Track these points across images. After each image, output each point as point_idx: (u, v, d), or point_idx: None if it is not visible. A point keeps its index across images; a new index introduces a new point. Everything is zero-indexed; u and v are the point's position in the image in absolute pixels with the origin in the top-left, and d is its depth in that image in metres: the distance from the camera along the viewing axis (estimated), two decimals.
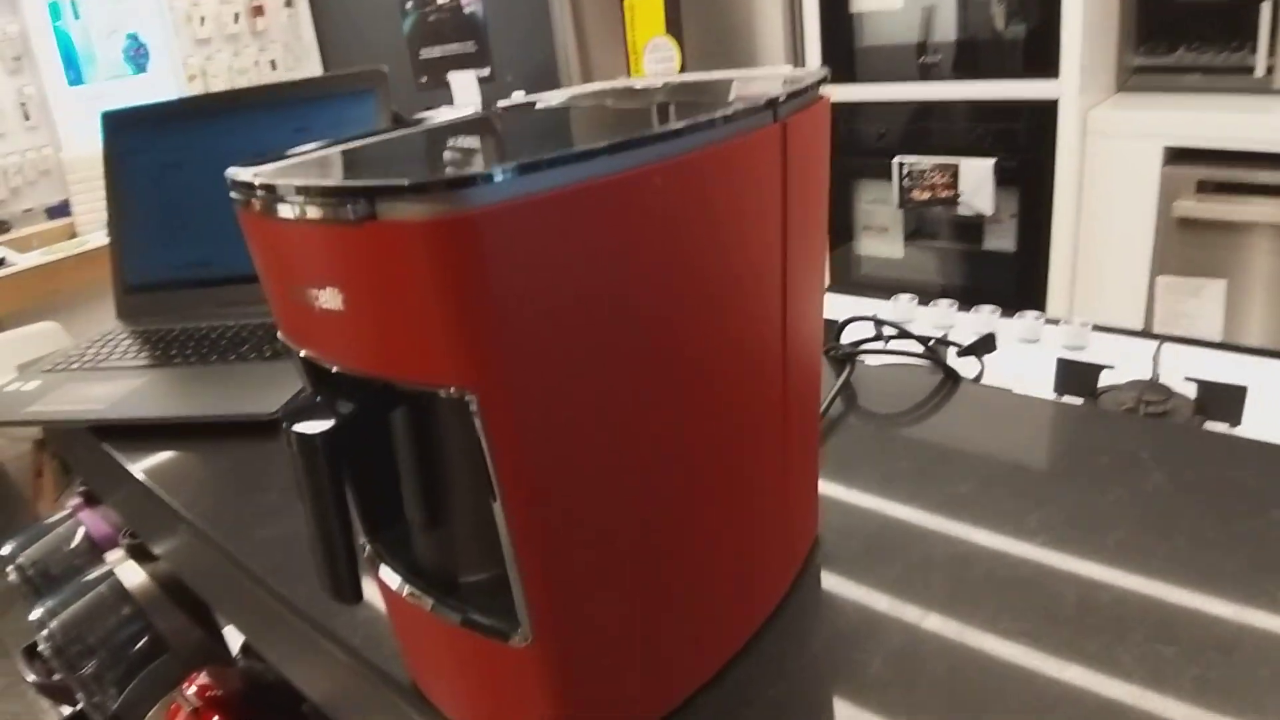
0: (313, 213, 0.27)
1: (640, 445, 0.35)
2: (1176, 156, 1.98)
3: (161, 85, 4.10)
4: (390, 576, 0.40)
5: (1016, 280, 2.22)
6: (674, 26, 2.58)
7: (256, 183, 0.30)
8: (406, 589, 0.39)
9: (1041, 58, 2.06)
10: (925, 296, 1.24)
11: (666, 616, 0.41)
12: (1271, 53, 2.05)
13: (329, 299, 0.29)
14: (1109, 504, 0.56)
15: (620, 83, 0.49)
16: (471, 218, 0.26)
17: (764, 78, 0.47)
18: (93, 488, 1.18)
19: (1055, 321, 1.16)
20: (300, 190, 0.27)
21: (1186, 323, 2.00)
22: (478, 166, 0.27)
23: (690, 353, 0.36)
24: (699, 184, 0.33)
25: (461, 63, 4.08)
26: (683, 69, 2.60)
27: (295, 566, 0.59)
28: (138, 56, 4.09)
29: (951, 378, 0.78)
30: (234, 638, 1.17)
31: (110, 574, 1.09)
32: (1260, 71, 2.07)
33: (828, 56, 2.37)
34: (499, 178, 0.26)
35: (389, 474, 0.36)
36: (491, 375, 0.28)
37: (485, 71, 4.00)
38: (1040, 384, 1.01)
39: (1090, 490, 0.58)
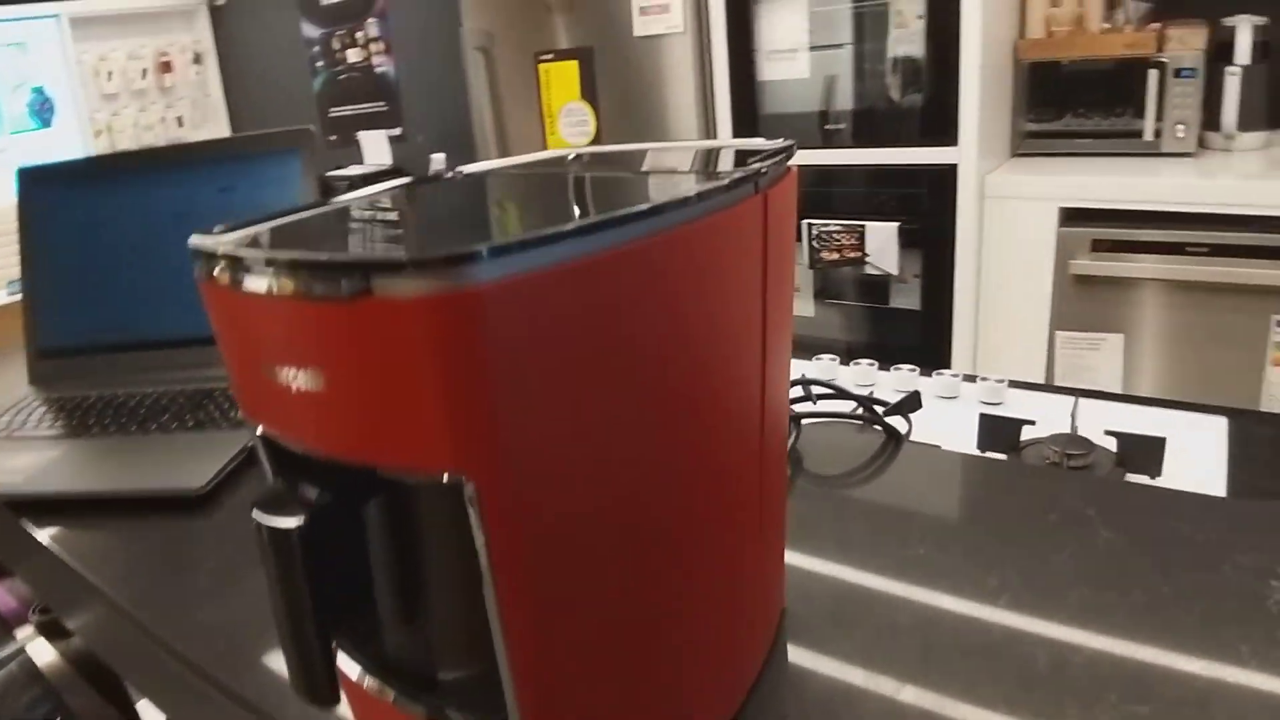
0: (296, 288, 0.25)
1: (636, 523, 0.33)
2: (1071, 217, 2.07)
3: (67, 140, 3.95)
4: (351, 667, 0.37)
5: (922, 337, 2.28)
6: (588, 92, 2.61)
7: (225, 253, 0.27)
8: (369, 680, 0.36)
9: (940, 126, 2.14)
10: (835, 353, 1.25)
11: (654, 698, 0.38)
12: (1159, 118, 2.17)
13: (307, 379, 0.26)
14: (1063, 562, 0.56)
15: (580, 150, 0.47)
16: (477, 294, 0.23)
17: (729, 147, 0.46)
18: (3, 560, 1.09)
19: (973, 378, 1.18)
20: (284, 265, 0.25)
21: (1088, 375, 2.08)
22: (476, 238, 0.25)
23: (684, 420, 0.34)
24: (695, 253, 0.31)
25: (372, 122, 4.05)
26: (597, 135, 2.62)
27: (239, 654, 0.55)
28: (43, 111, 3.93)
29: (893, 437, 0.78)
30: (148, 713, 1.09)
31: (21, 651, 1.01)
32: (1149, 135, 2.19)
33: (737, 123, 2.42)
34: (506, 252, 0.24)
35: (358, 562, 0.33)
36: (491, 458, 0.26)
37: (396, 131, 3.97)
38: (964, 439, 1.02)
39: (1043, 548, 0.58)
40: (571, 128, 2.67)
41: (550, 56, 2.64)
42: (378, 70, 4.10)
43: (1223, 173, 2.10)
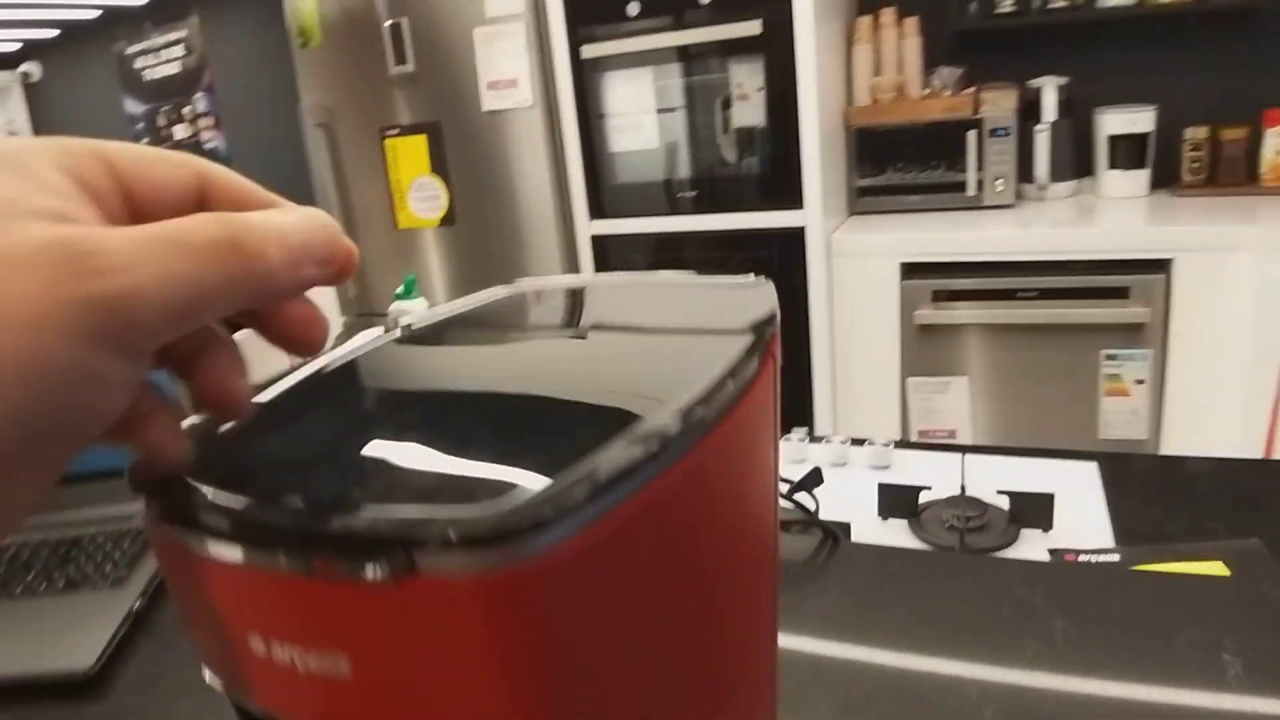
0: (307, 568, 0.19)
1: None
2: (911, 270, 2.16)
3: None
4: None
5: (784, 392, 2.31)
6: (439, 166, 2.55)
7: (190, 508, 0.21)
8: None
9: (785, 190, 2.20)
10: None
11: None
12: (980, 173, 2.31)
13: (319, 662, 0.21)
14: (1032, 658, 0.55)
15: (522, 289, 0.42)
16: (547, 565, 0.19)
17: (696, 285, 0.43)
18: None
19: (860, 442, 1.19)
20: (291, 537, 0.19)
21: (938, 416, 2.15)
22: (526, 483, 0.20)
23: (721, 613, 0.30)
24: (738, 437, 0.27)
25: None
26: (450, 209, 2.56)
27: None
28: None
29: (831, 537, 0.76)
30: None
31: None
32: (972, 190, 2.31)
33: (591, 194, 2.42)
34: (576, 508, 0.19)
35: None
36: None
37: None
38: (863, 508, 1.02)
39: (1010, 644, 0.57)
40: (422, 203, 2.60)
41: (396, 131, 2.57)
42: (207, 147, 3.91)
43: (1038, 221, 2.24)
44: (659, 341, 0.34)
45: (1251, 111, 2.27)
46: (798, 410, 2.28)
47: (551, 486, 0.20)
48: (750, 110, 2.21)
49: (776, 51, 2.12)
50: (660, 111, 2.31)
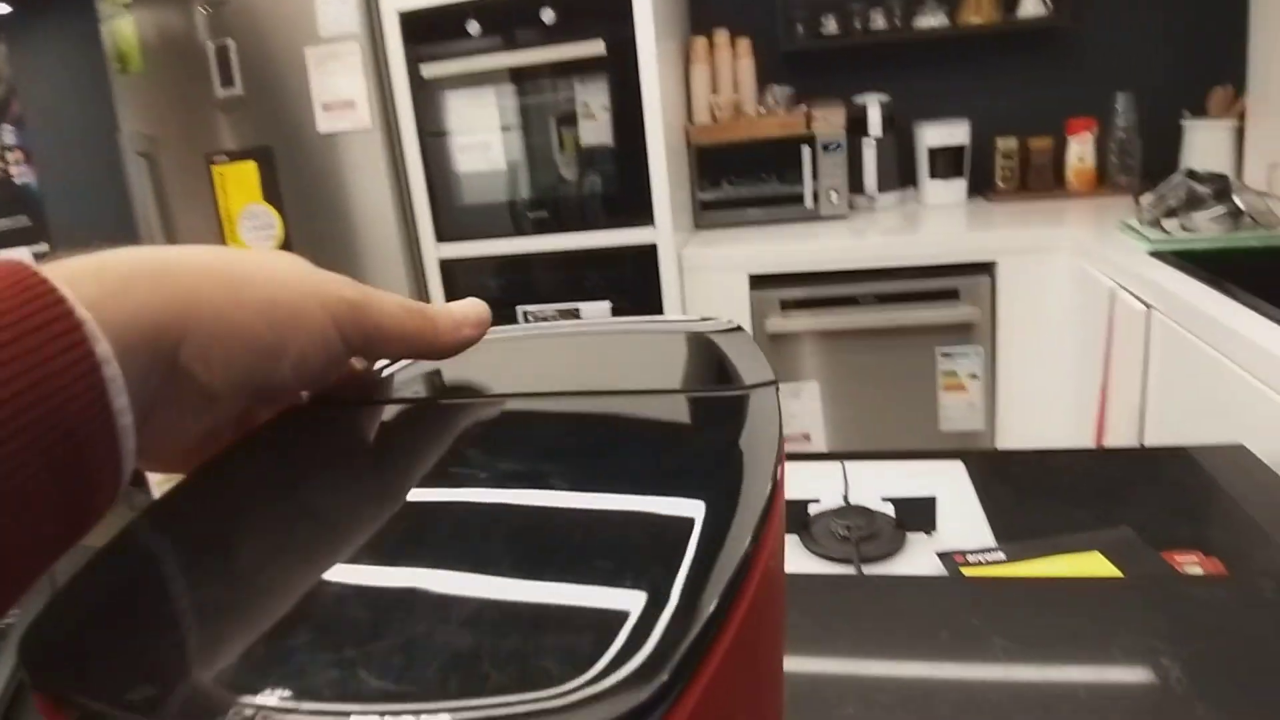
0: None
1: None
2: (759, 281, 2.18)
3: None
4: None
5: None
6: (271, 193, 2.39)
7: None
8: None
9: (636, 208, 2.18)
10: None
11: None
12: (815, 186, 2.36)
13: None
14: (983, 676, 0.54)
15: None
16: None
17: (659, 330, 0.39)
18: None
19: None
20: None
21: (794, 421, 2.19)
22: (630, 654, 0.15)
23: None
24: (774, 527, 0.23)
25: (12, 239, 3.47)
26: (285, 238, 2.41)
27: None
28: None
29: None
30: None
31: None
32: (809, 203, 2.37)
33: (436, 217, 2.33)
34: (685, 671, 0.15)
35: None
36: None
37: (42, 247, 3.43)
38: None
39: (957, 663, 0.55)
40: (254, 231, 2.44)
41: (224, 158, 2.40)
42: (18, 182, 3.53)
43: (870, 230, 2.32)
44: (656, 409, 0.29)
45: (1056, 122, 2.44)
46: None
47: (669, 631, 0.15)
48: (597, 129, 2.19)
49: (620, 71, 2.10)
50: (504, 131, 2.25)
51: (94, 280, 0.25)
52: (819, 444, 2.19)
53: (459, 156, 2.31)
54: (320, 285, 0.30)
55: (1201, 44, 2.42)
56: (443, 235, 2.34)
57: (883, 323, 2.13)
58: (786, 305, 2.17)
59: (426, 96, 2.25)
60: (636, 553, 0.19)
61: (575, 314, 2.19)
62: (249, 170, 2.39)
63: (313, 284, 0.30)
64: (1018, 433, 2.16)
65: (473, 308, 0.34)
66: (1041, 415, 2.12)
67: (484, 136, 2.26)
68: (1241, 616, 0.59)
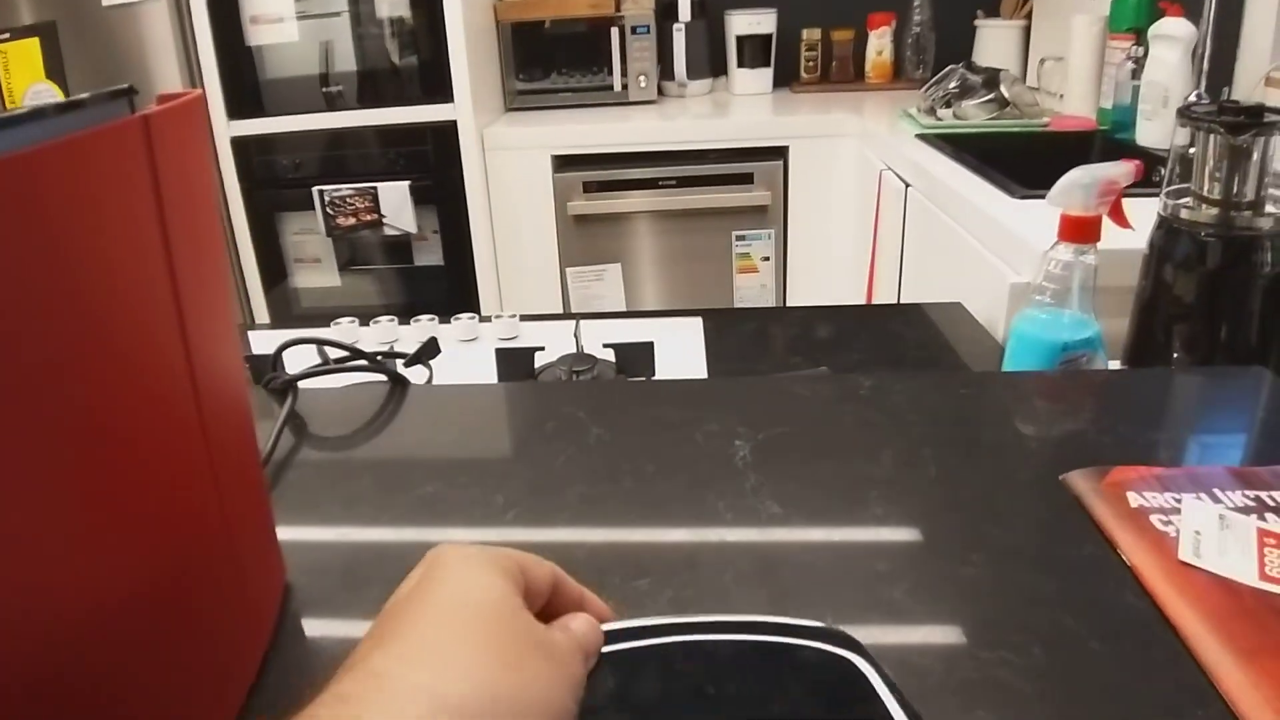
0: None
1: (43, 539, 0.24)
2: (563, 164, 2.16)
3: None
4: None
5: (449, 291, 2.26)
6: (55, 72, 2.19)
7: None
8: None
9: (436, 85, 2.11)
10: (369, 319, 1.19)
11: None
12: (624, 71, 2.34)
13: None
14: (561, 466, 0.56)
15: None
16: None
17: None
18: None
19: (489, 319, 1.18)
20: None
21: (597, 303, 2.21)
22: None
23: (76, 396, 0.26)
24: (47, 181, 0.23)
25: None
26: None
27: None
28: None
29: (399, 383, 0.73)
30: None
31: None
32: (617, 87, 2.35)
33: (230, 93, 2.19)
34: None
35: None
36: None
37: None
38: (486, 377, 1.02)
39: (543, 456, 0.57)
40: None
41: (5, 35, 2.18)
42: None
43: (680, 115, 2.32)
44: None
45: (859, 16, 2.47)
46: (464, 299, 2.24)
47: None
48: (395, 1, 2.08)
49: None
50: (299, 3, 2.12)
51: None
52: None
53: (252, 29, 2.16)
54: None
55: None
56: (236, 113, 2.20)
57: (682, 205, 2.15)
58: (589, 187, 2.16)
59: None
60: None
61: (373, 193, 2.12)
62: (31, 47, 2.19)
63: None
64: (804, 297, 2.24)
65: (597, 639, 0.34)
66: (826, 292, 2.21)
67: (278, 7, 2.12)
68: (826, 405, 0.64)
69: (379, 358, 0.84)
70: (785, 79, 2.55)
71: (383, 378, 0.76)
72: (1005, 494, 0.54)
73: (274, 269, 2.29)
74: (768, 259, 2.19)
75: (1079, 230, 0.76)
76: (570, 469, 0.56)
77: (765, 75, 2.50)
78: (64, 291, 0.26)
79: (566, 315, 1.22)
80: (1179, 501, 0.53)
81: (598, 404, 0.64)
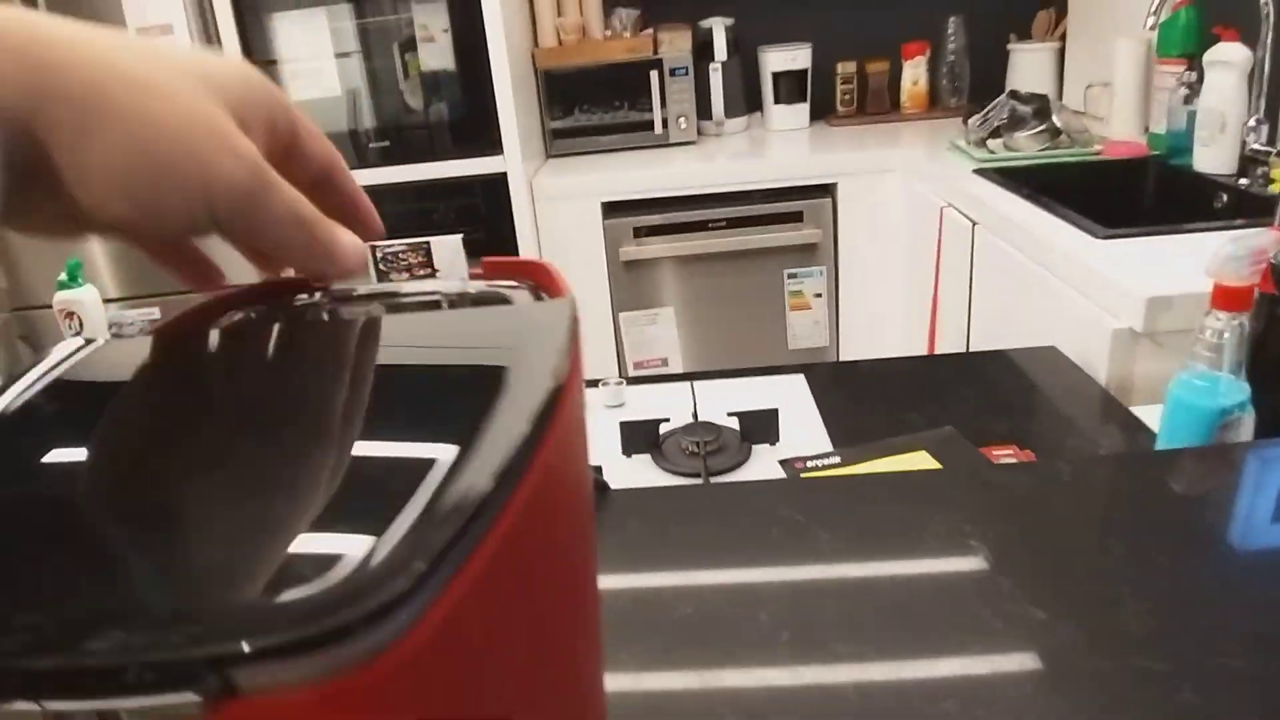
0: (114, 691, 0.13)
1: None
2: (612, 209, 2.17)
3: None
4: None
5: None
6: None
7: None
8: None
9: (483, 136, 2.12)
10: None
11: None
12: (664, 112, 2.35)
13: None
14: (806, 579, 0.56)
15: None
16: (393, 664, 0.14)
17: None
18: None
19: (593, 384, 1.18)
20: (54, 676, 0.13)
21: (651, 347, 2.21)
22: (353, 552, 0.15)
23: (563, 637, 0.26)
24: (561, 462, 0.23)
25: None
26: None
27: None
28: None
29: (602, 490, 0.72)
30: None
31: None
32: (658, 129, 2.36)
33: None
34: (422, 584, 0.14)
35: None
36: None
37: None
38: (609, 449, 1.02)
39: (788, 560, 0.57)
40: None
41: None
42: None
43: (720, 155, 2.34)
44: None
45: (892, 46, 2.50)
46: None
47: (393, 554, 0.15)
48: (437, 53, 2.10)
49: None
50: (341, 57, 2.14)
51: None
52: (676, 367, 2.23)
53: (291, 84, 2.18)
54: (210, 155, 0.26)
55: None
56: None
57: (732, 246, 2.16)
58: (639, 232, 2.17)
59: (250, 19, 2.10)
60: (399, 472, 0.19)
61: (426, 248, 2.12)
62: None
63: (202, 148, 0.26)
64: (860, 345, 2.25)
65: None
66: (880, 328, 2.22)
67: (315, 62, 2.13)
68: (1040, 497, 0.64)
69: None
70: (821, 112, 2.56)
71: None
72: (1266, 588, 0.54)
73: None
74: (820, 295, 2.20)
75: (1235, 299, 0.77)
76: (818, 583, 0.56)
77: (802, 110, 2.52)
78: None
79: (671, 376, 1.22)
80: None
81: (809, 504, 0.64)
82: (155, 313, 2.24)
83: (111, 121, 0.24)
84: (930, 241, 1.88)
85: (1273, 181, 1.59)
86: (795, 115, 2.52)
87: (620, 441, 1.02)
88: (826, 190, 2.16)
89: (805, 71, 2.48)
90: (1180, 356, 0.82)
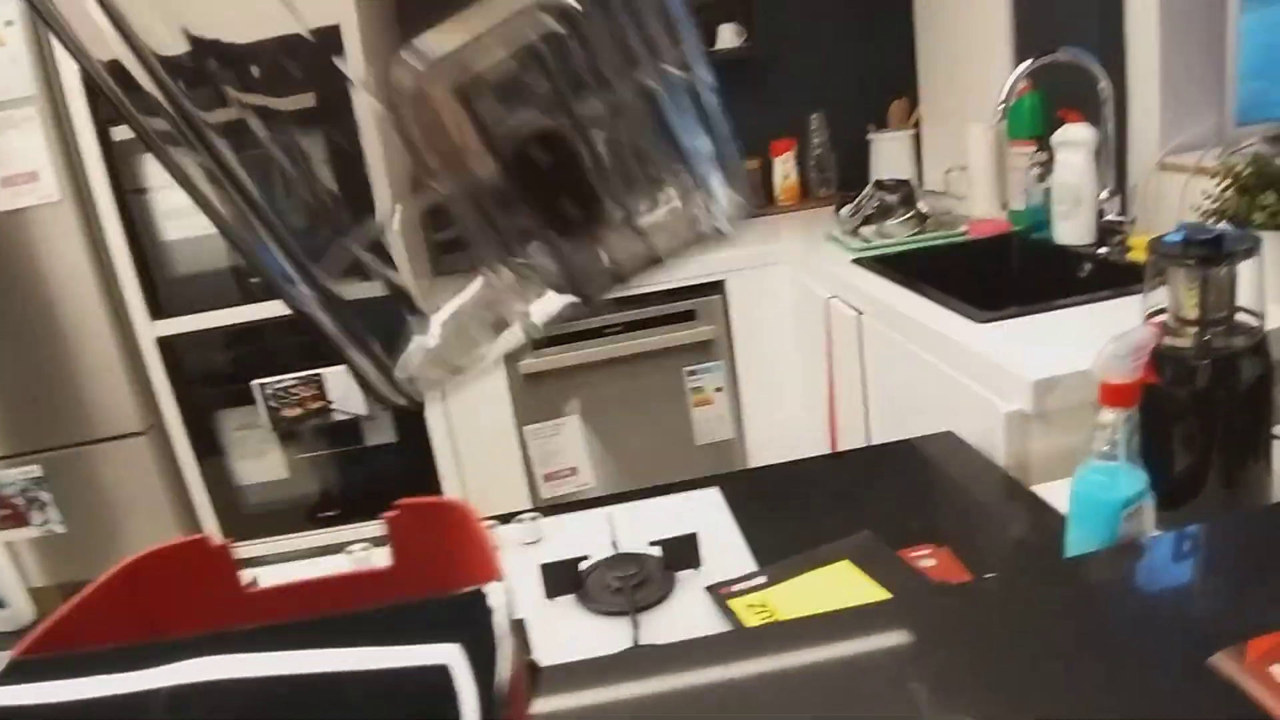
0: None
1: None
2: None
3: None
4: None
5: (406, 466, 2.21)
6: None
7: None
8: None
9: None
10: (318, 508, 1.14)
11: None
12: None
13: None
14: None
15: None
16: None
17: None
18: None
19: (507, 518, 1.15)
20: None
21: (558, 457, 2.19)
22: None
23: None
24: None
25: None
26: None
27: None
28: None
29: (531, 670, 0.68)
30: None
31: None
32: None
33: (150, 292, 2.12)
34: None
35: None
36: None
37: None
38: (524, 589, 0.99)
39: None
40: None
41: None
42: None
43: None
44: None
45: (761, 144, 2.60)
46: (423, 479, 2.18)
47: None
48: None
49: (335, 120, 2.00)
50: None
51: None
52: (586, 475, 2.20)
53: (167, 224, 2.12)
54: None
55: (878, 62, 2.66)
56: (159, 312, 2.13)
57: (630, 350, 2.18)
58: (538, 343, 2.16)
59: (123, 160, 2.04)
60: None
61: (318, 381, 2.07)
62: None
63: None
64: (765, 434, 2.27)
65: None
66: (782, 416, 2.25)
67: (188, 203, 2.08)
68: (974, 621, 0.64)
69: None
70: None
71: None
72: (1169, 691, 0.55)
73: (216, 468, 2.19)
74: (721, 389, 2.23)
75: (1123, 396, 0.80)
76: None
77: None
78: None
79: (584, 502, 1.20)
80: None
81: (759, 661, 0.63)
82: (36, 470, 2.10)
83: None
84: (821, 332, 1.93)
85: (1130, 249, 1.70)
86: None
87: (543, 584, 0.99)
88: (717, 287, 2.20)
89: None
90: (1072, 432, 0.85)
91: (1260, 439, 0.98)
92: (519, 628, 0.27)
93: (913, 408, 1.57)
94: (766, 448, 2.27)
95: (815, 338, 1.98)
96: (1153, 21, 1.77)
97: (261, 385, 2.07)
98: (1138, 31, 1.82)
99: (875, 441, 1.75)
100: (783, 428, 2.26)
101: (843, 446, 1.93)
